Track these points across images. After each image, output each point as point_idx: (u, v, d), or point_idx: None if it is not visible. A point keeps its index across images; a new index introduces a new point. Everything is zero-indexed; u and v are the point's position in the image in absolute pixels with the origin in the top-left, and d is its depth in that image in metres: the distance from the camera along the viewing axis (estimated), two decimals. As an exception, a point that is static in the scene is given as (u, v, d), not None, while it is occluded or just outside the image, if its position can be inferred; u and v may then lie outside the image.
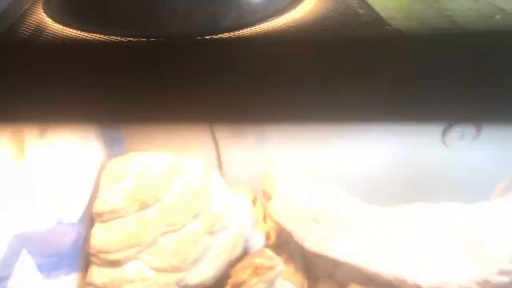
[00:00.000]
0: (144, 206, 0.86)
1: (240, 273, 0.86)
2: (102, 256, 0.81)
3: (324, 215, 0.95)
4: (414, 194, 1.11)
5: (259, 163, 1.09)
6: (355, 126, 1.06)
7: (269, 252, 0.88)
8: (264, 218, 1.02)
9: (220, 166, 1.09)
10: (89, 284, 0.80)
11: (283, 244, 0.99)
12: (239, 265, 0.87)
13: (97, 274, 0.81)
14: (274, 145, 1.09)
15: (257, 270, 0.85)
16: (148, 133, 1.05)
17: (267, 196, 0.99)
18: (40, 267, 0.70)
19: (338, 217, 0.96)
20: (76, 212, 0.80)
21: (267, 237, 0.99)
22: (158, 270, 0.82)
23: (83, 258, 0.82)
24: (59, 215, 0.74)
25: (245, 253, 0.91)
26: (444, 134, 1.07)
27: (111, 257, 0.81)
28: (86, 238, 0.83)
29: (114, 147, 1.00)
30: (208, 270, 0.85)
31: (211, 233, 0.87)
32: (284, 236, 0.98)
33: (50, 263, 0.73)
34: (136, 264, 0.82)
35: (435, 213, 0.98)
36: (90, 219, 0.86)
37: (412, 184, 1.13)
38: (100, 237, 0.83)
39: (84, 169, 0.87)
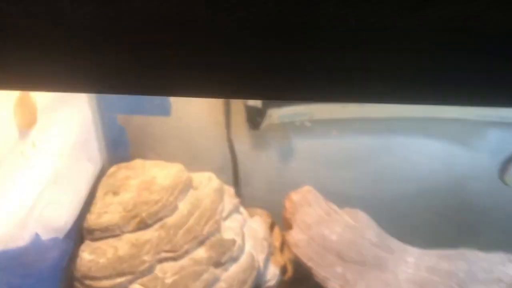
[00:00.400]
0: (142, 225, 0.75)
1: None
2: (88, 282, 0.70)
3: (352, 252, 0.82)
4: (459, 234, 0.97)
5: (282, 182, 0.96)
6: (396, 137, 0.93)
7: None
8: (282, 248, 0.90)
9: (236, 183, 0.97)
10: None
11: (301, 280, 0.86)
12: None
13: None
14: (300, 161, 0.95)
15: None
16: (159, 138, 0.94)
17: (287, 224, 0.87)
18: (10, 292, 0.59)
19: (368, 257, 0.83)
20: (62, 225, 0.69)
21: (283, 270, 0.86)
22: (151, 305, 0.70)
23: (66, 281, 0.71)
24: (39, 228, 0.63)
25: (255, 290, 0.79)
26: (502, 168, 0.93)
27: (98, 284, 0.70)
28: (72, 258, 0.72)
29: (118, 151, 0.89)
30: (208, 312, 0.73)
31: (218, 264, 0.75)
32: (302, 271, 0.85)
33: (25, 286, 0.62)
34: (126, 296, 0.70)
35: (482, 263, 0.84)
36: (79, 234, 0.75)
37: (457, 222, 0.99)
38: (88, 258, 0.72)
39: (78, 173, 0.76)
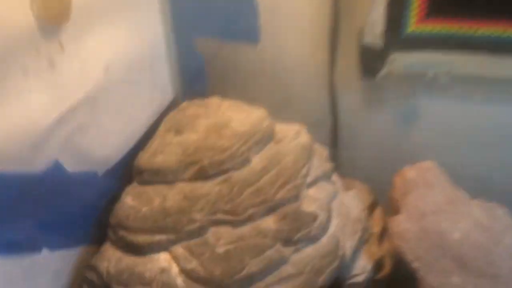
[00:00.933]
0: (202, 174, 0.63)
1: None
2: (121, 233, 0.59)
3: (480, 261, 0.63)
4: None
5: (395, 152, 0.80)
6: None
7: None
8: (381, 237, 0.73)
9: (334, 144, 0.81)
10: (92, 268, 0.58)
11: (400, 283, 0.69)
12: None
13: (107, 256, 0.59)
14: (424, 129, 0.77)
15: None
16: (245, 75, 0.79)
17: (394, 207, 0.70)
18: (24, 227, 0.50)
19: (503, 270, 0.64)
20: (102, 159, 0.58)
21: (378, 266, 0.69)
22: (190, 277, 0.57)
23: (102, 228, 0.60)
24: (64, 155, 0.51)
25: (335, 285, 0.62)
26: None
27: (132, 237, 0.58)
28: (114, 201, 0.61)
29: (194, 83, 0.76)
30: (264, 299, 0.58)
31: (289, 241, 0.61)
32: (404, 272, 0.66)
33: (34, 222, 0.51)
34: (163, 259, 0.58)
35: None
36: (127, 174, 0.64)
37: None
38: (129, 204, 0.61)
39: (136, 99, 0.64)
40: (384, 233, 0.73)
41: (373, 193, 0.76)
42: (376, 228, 0.73)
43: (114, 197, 0.62)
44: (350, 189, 0.74)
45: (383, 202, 0.75)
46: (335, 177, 0.73)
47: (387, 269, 0.70)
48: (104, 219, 0.60)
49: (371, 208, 0.74)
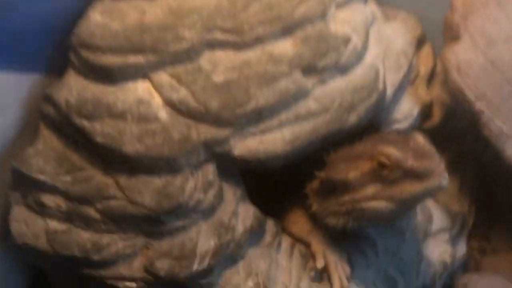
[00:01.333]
0: (193, -17, 0.46)
1: (345, 166, 0.44)
2: (85, 53, 0.44)
3: None
4: None
5: None
6: None
7: (422, 141, 0.43)
8: (429, 80, 0.56)
9: None
10: (48, 99, 0.44)
11: (455, 133, 0.55)
12: (349, 149, 0.45)
13: (67, 84, 0.45)
14: None
15: (384, 171, 0.41)
16: None
17: (452, 32, 0.53)
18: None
19: None
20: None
21: (426, 112, 0.54)
22: (178, 110, 0.43)
23: (63, 56, 0.45)
24: None
25: (369, 128, 0.48)
26: None
27: (100, 59, 0.43)
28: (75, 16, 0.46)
29: None
30: (277, 139, 0.44)
31: (311, 69, 0.46)
32: (460, 119, 0.52)
33: None
34: (141, 88, 0.44)
35: None
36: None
37: None
38: (97, 20, 0.45)
39: None
40: (433, 75, 0.58)
41: (421, 28, 0.59)
42: (423, 68, 0.57)
43: (79, 18, 0.47)
44: (392, 20, 0.58)
45: (432, 39, 0.58)
46: (372, 4, 0.56)
47: (436, 118, 0.55)
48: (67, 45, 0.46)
49: (419, 44, 0.58)
